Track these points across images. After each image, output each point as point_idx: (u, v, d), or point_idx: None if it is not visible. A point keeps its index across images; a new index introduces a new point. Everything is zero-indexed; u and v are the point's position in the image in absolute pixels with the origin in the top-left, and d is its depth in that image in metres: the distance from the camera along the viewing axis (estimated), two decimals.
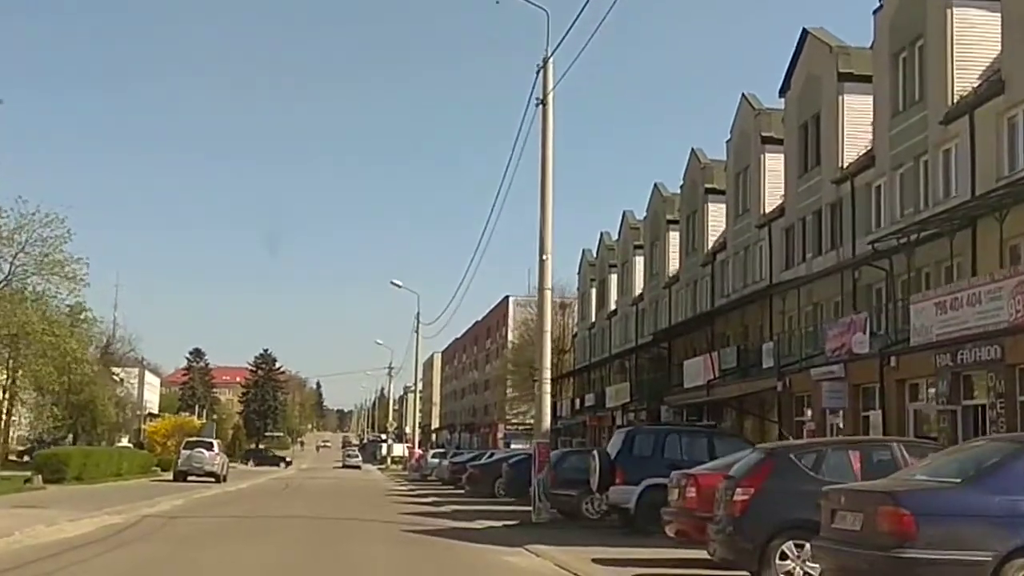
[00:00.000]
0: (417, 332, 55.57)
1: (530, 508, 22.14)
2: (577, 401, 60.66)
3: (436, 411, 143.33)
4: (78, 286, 35.19)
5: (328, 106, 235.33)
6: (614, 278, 59.39)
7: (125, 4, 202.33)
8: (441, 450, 57.67)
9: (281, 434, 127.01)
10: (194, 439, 43.14)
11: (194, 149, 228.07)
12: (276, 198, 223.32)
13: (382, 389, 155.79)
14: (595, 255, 64.36)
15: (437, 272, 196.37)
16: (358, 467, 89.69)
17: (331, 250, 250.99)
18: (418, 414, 61.52)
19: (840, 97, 30.35)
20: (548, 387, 19.67)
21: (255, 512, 22.83)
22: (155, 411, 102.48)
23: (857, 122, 30.16)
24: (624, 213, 56.72)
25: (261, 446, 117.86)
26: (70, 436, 51.21)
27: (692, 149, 44.54)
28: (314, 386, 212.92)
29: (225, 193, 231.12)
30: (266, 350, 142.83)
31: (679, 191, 46.55)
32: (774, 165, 36.07)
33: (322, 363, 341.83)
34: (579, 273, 69.02)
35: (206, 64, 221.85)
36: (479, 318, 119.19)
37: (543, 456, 19.19)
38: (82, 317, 42.18)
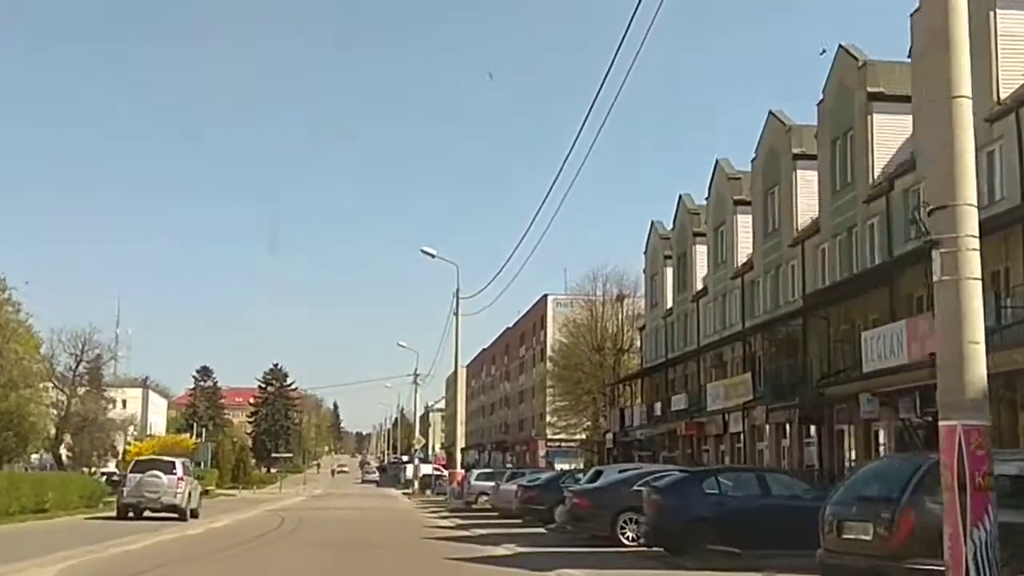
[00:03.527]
0: (457, 313, 43.17)
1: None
2: (657, 406, 48.01)
3: (462, 429, 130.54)
4: None
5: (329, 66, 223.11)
6: (701, 249, 46.68)
7: (133, 7, 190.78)
8: (488, 470, 45.02)
9: (291, 454, 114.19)
10: (147, 459, 30.63)
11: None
12: (280, 188, 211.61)
13: (402, 410, 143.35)
14: (671, 224, 51.70)
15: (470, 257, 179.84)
16: (376, 482, 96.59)
17: (342, 255, 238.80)
18: (458, 425, 48.88)
19: None
20: (975, 261, 7.01)
21: None
22: (161, 434, 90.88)
23: None
24: (717, 162, 44.15)
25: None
26: None
27: (840, 45, 32.09)
28: (331, 407, 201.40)
29: (228, 197, 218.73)
30: (276, 364, 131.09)
31: (817, 111, 33.80)
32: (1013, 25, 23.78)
33: (340, 380, 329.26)
34: (646, 252, 56.38)
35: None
36: (510, 324, 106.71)
37: (980, 459, 6.38)
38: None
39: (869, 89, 30.16)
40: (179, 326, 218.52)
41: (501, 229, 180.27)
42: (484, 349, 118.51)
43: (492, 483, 37.14)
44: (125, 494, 28.31)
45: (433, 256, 42.25)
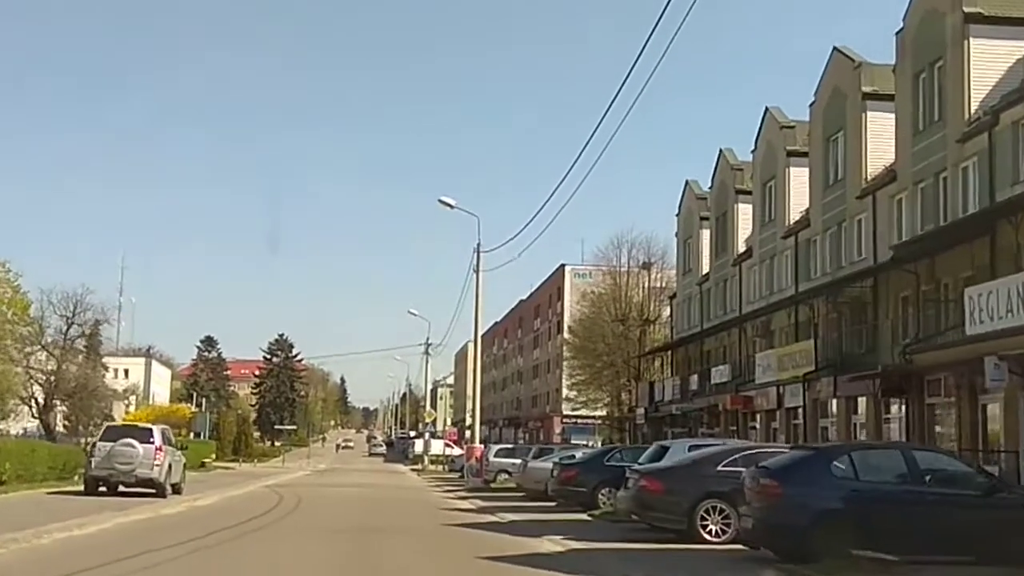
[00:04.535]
0: (477, 269, 38.86)
1: None
2: (693, 379, 43.94)
3: (479, 400, 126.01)
4: None
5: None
6: (744, 207, 42.44)
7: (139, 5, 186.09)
8: (509, 446, 41.04)
9: (296, 427, 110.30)
10: (119, 425, 26.58)
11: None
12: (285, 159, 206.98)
13: (410, 385, 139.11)
14: (708, 184, 47.44)
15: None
16: (383, 456, 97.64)
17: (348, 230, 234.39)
18: (476, 395, 44.88)
19: None
20: None
21: None
22: (164, 405, 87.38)
23: None
24: (767, 110, 39.84)
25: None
26: None
27: None
28: (338, 381, 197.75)
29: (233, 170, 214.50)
30: (282, 335, 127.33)
31: (895, 41, 29.30)
32: None
33: (347, 356, 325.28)
34: (678, 214, 52.13)
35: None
36: (524, 297, 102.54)
37: None
38: None
39: (966, 9, 25.78)
40: (187, 298, 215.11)
41: (518, 201, 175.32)
42: (496, 322, 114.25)
43: (515, 460, 33.24)
44: (93, 466, 24.17)
45: (452, 207, 38.06)
